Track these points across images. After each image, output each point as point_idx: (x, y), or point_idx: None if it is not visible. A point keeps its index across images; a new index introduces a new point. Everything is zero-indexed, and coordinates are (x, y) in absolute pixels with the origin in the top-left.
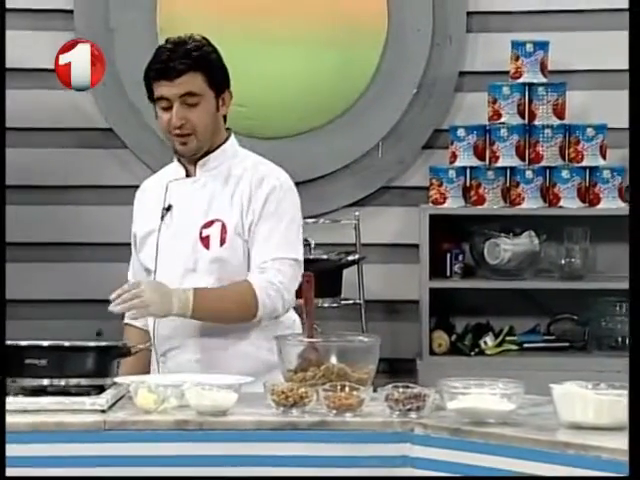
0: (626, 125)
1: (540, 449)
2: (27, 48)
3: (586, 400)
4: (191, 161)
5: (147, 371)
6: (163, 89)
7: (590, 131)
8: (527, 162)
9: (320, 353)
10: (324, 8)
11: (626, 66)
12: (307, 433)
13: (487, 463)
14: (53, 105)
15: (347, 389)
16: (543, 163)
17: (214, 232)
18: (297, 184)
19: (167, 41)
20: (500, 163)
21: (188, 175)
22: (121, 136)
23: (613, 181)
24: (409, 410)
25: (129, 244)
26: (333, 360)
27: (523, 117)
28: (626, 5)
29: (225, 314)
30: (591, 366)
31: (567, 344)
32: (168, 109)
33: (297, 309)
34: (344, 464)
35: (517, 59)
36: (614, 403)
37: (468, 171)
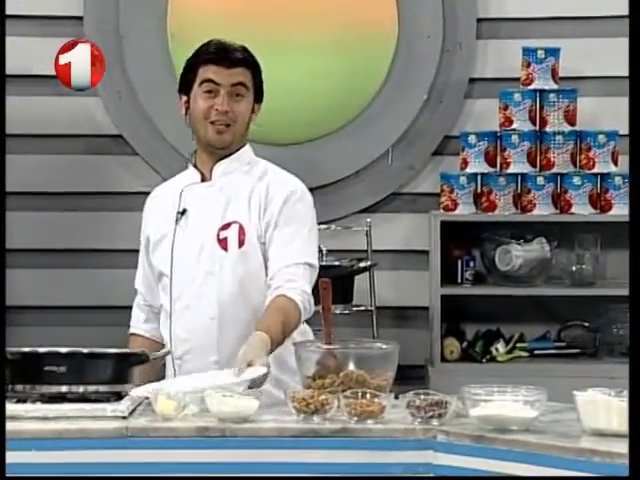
0: None
1: (566, 456)
2: (37, 54)
3: (610, 407)
4: (208, 165)
5: (162, 376)
6: (214, 74)
7: (601, 137)
8: (538, 169)
9: (338, 360)
10: (334, 15)
11: None
12: (329, 440)
13: (511, 470)
14: (63, 112)
15: (368, 396)
16: (554, 170)
17: (232, 234)
18: None
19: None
20: (511, 169)
21: (203, 180)
22: (131, 143)
23: (624, 187)
24: (431, 417)
25: (139, 251)
26: (351, 367)
27: (534, 123)
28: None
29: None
30: (602, 373)
31: (578, 351)
32: (211, 95)
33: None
34: (366, 471)
35: (528, 66)
36: None
37: (479, 177)
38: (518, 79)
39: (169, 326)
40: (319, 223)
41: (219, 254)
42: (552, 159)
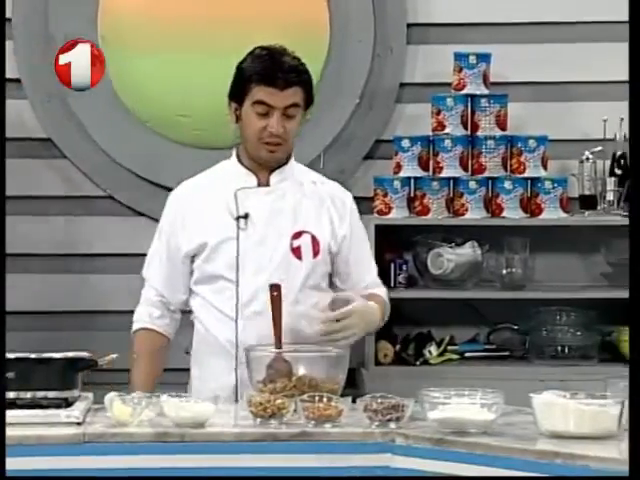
0: (565, 137)
1: (528, 458)
2: None
3: (567, 409)
4: (263, 171)
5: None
6: (267, 96)
7: (532, 142)
8: (470, 173)
9: (289, 364)
10: (266, 19)
11: (564, 78)
12: (288, 444)
13: (471, 473)
14: None
15: (325, 400)
16: (486, 174)
17: (305, 243)
18: None
19: (261, 48)
20: (444, 174)
21: (259, 184)
22: (60, 146)
23: (554, 192)
24: (389, 420)
25: (68, 255)
26: (302, 371)
27: (466, 128)
28: (563, 19)
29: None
30: (532, 375)
31: (507, 353)
32: (265, 115)
33: None
34: (325, 474)
35: (460, 71)
36: (595, 413)
37: (412, 181)
38: (448, 84)
39: (235, 330)
40: None
41: (294, 263)
42: (484, 163)
